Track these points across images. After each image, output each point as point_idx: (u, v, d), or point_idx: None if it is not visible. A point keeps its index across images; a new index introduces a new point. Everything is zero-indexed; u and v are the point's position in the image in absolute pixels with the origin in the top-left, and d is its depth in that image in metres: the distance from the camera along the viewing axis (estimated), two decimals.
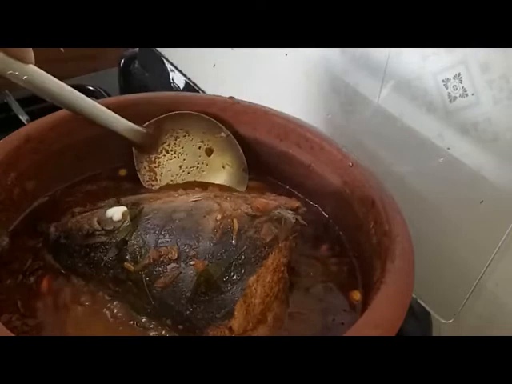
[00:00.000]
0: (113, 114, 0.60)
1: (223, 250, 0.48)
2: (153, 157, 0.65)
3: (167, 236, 0.49)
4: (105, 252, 0.51)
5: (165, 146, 0.66)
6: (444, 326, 0.67)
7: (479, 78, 0.56)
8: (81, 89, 1.05)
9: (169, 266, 0.48)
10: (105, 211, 0.53)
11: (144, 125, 0.63)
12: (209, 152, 0.67)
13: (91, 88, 1.06)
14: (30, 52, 0.54)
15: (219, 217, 0.49)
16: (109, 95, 1.04)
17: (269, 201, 0.52)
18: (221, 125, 0.65)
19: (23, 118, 0.57)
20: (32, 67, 0.55)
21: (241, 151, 0.66)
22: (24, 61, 0.54)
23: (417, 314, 0.67)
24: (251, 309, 0.48)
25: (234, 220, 0.49)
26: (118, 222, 0.51)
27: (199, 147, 0.67)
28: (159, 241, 0.49)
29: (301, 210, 0.54)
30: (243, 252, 0.48)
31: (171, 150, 0.66)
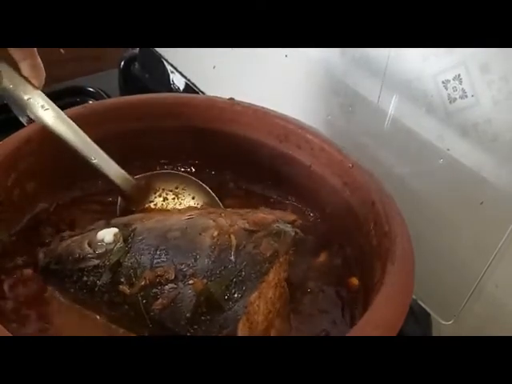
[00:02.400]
0: (105, 156, 0.58)
1: (222, 267, 0.47)
2: (136, 211, 0.62)
3: (163, 256, 0.48)
4: (98, 276, 0.50)
5: (151, 204, 0.64)
6: (444, 327, 0.67)
7: (479, 79, 0.56)
8: (81, 90, 1.06)
9: (166, 287, 0.47)
10: (95, 234, 0.52)
11: (135, 177, 0.61)
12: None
13: (91, 89, 1.06)
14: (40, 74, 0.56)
15: (216, 233, 0.49)
16: (109, 96, 1.04)
17: (266, 215, 0.52)
18: (214, 195, 0.63)
19: (23, 119, 0.57)
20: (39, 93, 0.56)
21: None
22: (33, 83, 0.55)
23: (417, 314, 0.67)
24: (254, 326, 0.47)
25: (232, 236, 0.49)
26: (110, 244, 0.50)
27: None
28: (154, 261, 0.48)
29: (297, 223, 0.54)
30: (243, 268, 0.47)
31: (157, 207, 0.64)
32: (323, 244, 0.60)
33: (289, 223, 0.52)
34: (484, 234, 0.60)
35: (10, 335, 0.37)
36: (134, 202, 0.62)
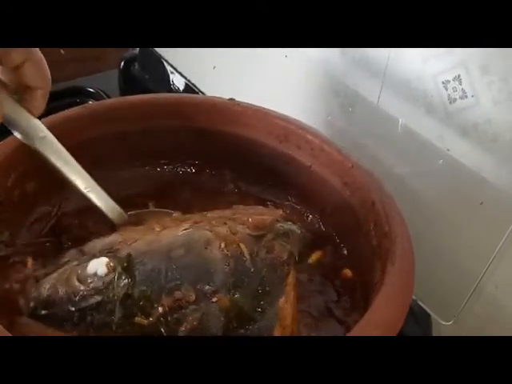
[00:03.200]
0: (99, 188, 0.58)
1: (243, 279, 0.46)
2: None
3: (175, 278, 0.45)
4: (106, 312, 0.45)
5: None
6: (444, 327, 0.67)
7: (479, 80, 0.56)
8: (81, 90, 1.06)
9: (188, 310, 0.44)
10: (82, 268, 0.47)
11: (128, 213, 0.60)
12: None
13: (91, 90, 1.06)
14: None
15: (223, 245, 0.47)
16: (109, 97, 1.04)
17: (263, 217, 0.51)
18: None
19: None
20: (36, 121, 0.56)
21: None
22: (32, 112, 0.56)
23: (417, 315, 0.67)
24: (286, 331, 0.46)
25: (241, 245, 0.47)
26: (106, 276, 0.46)
27: None
28: (168, 286, 0.45)
29: (288, 218, 0.54)
30: (264, 275, 0.46)
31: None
32: (322, 243, 0.60)
33: (288, 221, 0.52)
34: (484, 235, 0.60)
35: (10, 335, 0.37)
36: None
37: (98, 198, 0.58)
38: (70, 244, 0.56)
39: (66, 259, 0.50)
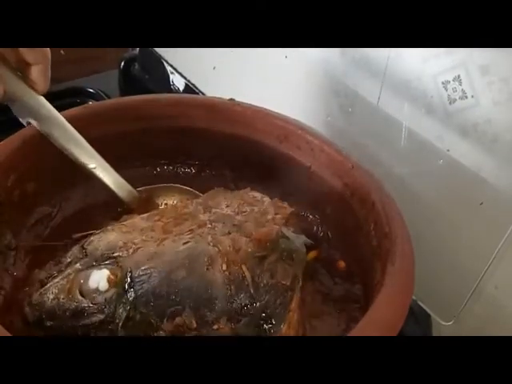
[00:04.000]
0: (108, 165, 0.58)
1: (245, 306, 0.45)
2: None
3: (176, 303, 0.44)
4: (108, 332, 0.45)
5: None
6: (444, 327, 0.67)
7: (478, 80, 0.56)
8: (81, 91, 1.06)
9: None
10: (85, 279, 0.47)
11: (138, 189, 0.61)
12: None
13: (91, 90, 1.06)
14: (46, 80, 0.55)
15: (224, 266, 0.46)
16: (109, 97, 1.04)
17: (268, 229, 0.50)
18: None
19: (24, 121, 0.57)
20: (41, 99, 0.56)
21: None
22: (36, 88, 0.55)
23: (417, 315, 0.67)
24: None
25: (243, 267, 0.46)
26: (107, 291, 0.46)
27: None
28: (169, 310, 0.44)
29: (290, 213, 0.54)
30: (266, 302, 0.45)
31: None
32: (321, 243, 0.60)
33: (285, 219, 0.52)
34: (484, 235, 0.60)
35: (10, 335, 0.37)
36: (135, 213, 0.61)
37: (107, 175, 0.58)
38: (72, 239, 0.56)
39: (69, 260, 0.50)
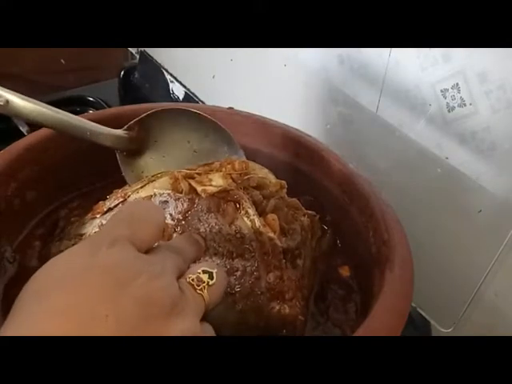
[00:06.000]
0: (89, 123, 0.57)
1: None
2: (138, 160, 0.62)
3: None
4: None
5: (150, 147, 0.62)
6: (443, 334, 0.67)
7: (477, 89, 0.57)
8: (81, 100, 1.06)
9: None
10: None
11: (126, 126, 0.60)
12: (197, 154, 0.63)
13: (91, 99, 1.07)
14: None
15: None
16: (109, 106, 1.05)
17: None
18: (213, 119, 0.61)
19: (24, 128, 0.57)
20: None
21: (235, 142, 0.62)
22: None
23: (416, 322, 0.67)
24: None
25: None
26: None
27: (187, 149, 0.63)
28: None
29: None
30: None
31: (157, 152, 0.63)
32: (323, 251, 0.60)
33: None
34: (482, 242, 0.60)
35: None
36: (132, 152, 0.62)
37: (90, 132, 0.57)
38: None
39: None
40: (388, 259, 0.48)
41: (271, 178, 0.58)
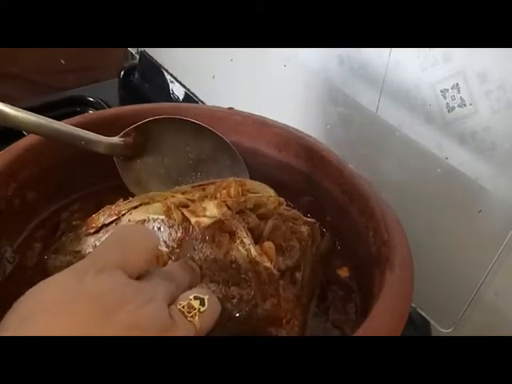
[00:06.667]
0: (83, 132, 0.57)
1: None
2: (136, 163, 0.62)
3: None
4: None
5: (148, 151, 0.62)
6: (444, 334, 0.67)
7: (477, 89, 0.57)
8: (81, 100, 1.06)
9: None
10: None
11: (122, 132, 0.60)
12: (196, 160, 0.63)
13: (91, 99, 1.07)
14: None
15: None
16: (109, 106, 1.05)
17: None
18: (210, 128, 0.62)
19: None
20: None
21: (235, 152, 0.62)
22: None
23: (416, 322, 0.67)
24: None
25: None
26: None
27: (186, 154, 0.63)
28: None
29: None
30: None
31: (155, 155, 0.63)
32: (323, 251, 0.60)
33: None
34: (482, 242, 0.60)
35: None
36: (129, 157, 0.62)
37: (87, 141, 0.57)
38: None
39: None
40: (388, 259, 0.48)
41: (270, 193, 0.57)
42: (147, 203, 0.53)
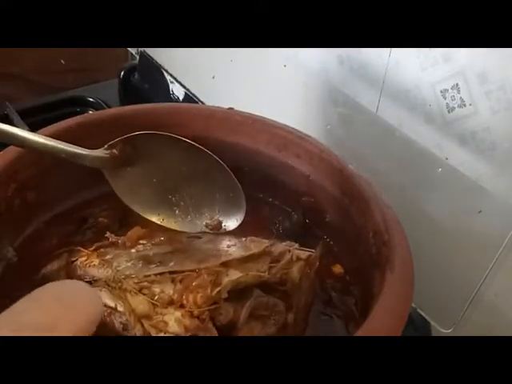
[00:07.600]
0: (63, 144, 0.54)
1: None
2: (127, 172, 0.60)
3: None
4: None
5: (137, 163, 0.60)
6: (444, 335, 0.67)
7: (477, 89, 0.57)
8: (81, 100, 1.07)
9: None
10: None
11: (107, 145, 0.58)
12: (188, 177, 0.61)
13: (91, 99, 1.07)
14: None
15: None
16: (109, 106, 1.05)
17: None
18: (202, 148, 0.59)
19: (23, 129, 0.57)
20: None
21: (230, 173, 0.59)
22: None
23: (416, 323, 0.67)
24: None
25: None
26: None
27: (178, 167, 0.61)
28: None
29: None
30: None
31: (144, 167, 0.60)
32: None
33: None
34: (482, 242, 0.60)
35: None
36: (116, 168, 0.59)
37: (71, 156, 0.54)
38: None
39: None
40: (388, 260, 0.48)
41: (251, 265, 0.52)
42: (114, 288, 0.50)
